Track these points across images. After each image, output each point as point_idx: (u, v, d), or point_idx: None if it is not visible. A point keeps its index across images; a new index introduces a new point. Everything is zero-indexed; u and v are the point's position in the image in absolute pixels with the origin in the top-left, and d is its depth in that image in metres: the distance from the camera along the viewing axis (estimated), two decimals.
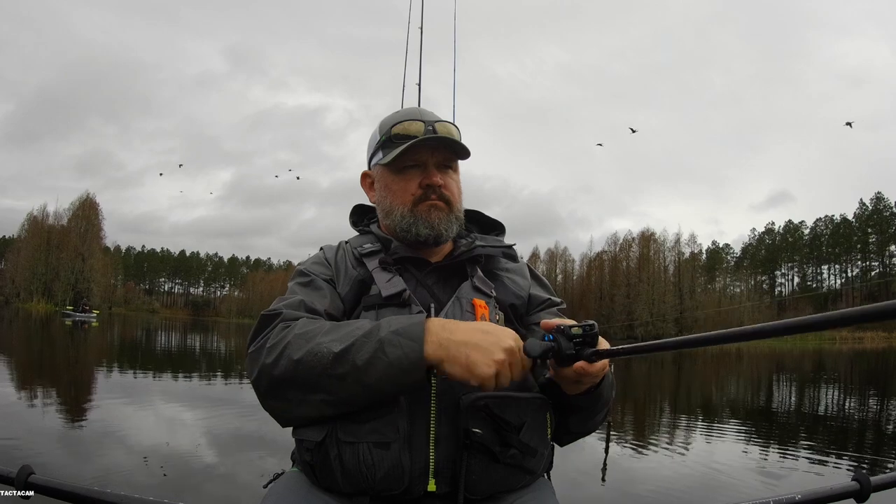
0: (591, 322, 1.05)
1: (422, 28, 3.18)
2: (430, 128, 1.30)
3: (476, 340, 1.02)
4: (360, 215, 1.53)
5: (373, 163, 1.40)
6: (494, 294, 1.29)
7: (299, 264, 1.37)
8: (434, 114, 1.39)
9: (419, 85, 3.03)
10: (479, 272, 1.32)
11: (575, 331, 1.04)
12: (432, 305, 1.23)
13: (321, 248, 1.39)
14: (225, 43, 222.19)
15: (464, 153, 1.34)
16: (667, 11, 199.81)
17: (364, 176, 1.45)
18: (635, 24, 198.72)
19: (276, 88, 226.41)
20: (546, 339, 1.05)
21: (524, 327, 1.34)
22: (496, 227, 1.49)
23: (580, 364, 1.03)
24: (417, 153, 1.31)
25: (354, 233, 1.48)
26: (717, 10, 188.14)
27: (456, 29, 3.17)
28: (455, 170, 1.37)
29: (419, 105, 2.83)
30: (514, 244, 1.42)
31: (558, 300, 1.40)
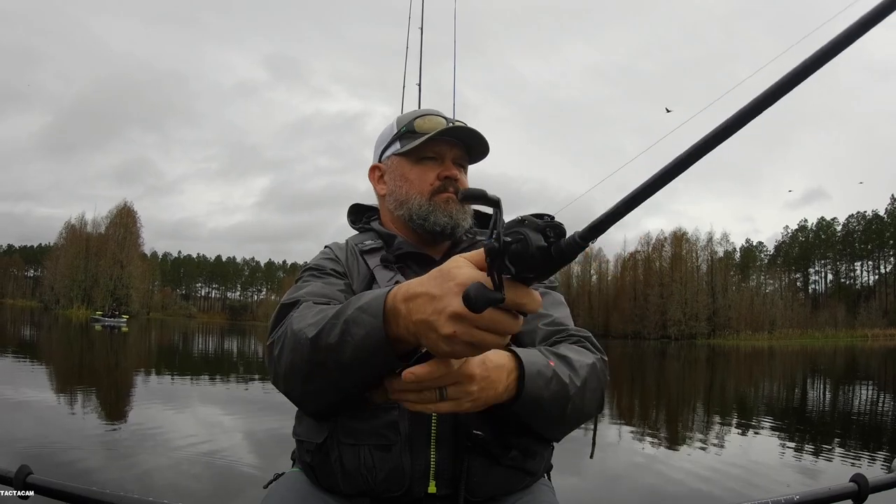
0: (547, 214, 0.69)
1: (422, 28, 3.22)
2: (451, 124, 1.30)
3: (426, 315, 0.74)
4: (358, 214, 1.52)
5: (387, 153, 1.39)
6: None
7: (308, 262, 1.35)
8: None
9: (419, 85, 3.04)
10: None
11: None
12: None
13: (326, 247, 1.37)
14: (264, 53, 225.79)
15: (485, 149, 1.35)
16: (691, 7, 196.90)
17: (373, 169, 1.43)
18: (660, 21, 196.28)
19: (317, 96, 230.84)
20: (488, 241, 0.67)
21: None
22: None
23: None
24: (437, 146, 1.31)
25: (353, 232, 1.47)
26: (740, 5, 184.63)
27: (456, 30, 3.18)
28: (466, 170, 1.37)
29: (419, 105, 2.86)
30: None
31: (556, 283, 1.38)
